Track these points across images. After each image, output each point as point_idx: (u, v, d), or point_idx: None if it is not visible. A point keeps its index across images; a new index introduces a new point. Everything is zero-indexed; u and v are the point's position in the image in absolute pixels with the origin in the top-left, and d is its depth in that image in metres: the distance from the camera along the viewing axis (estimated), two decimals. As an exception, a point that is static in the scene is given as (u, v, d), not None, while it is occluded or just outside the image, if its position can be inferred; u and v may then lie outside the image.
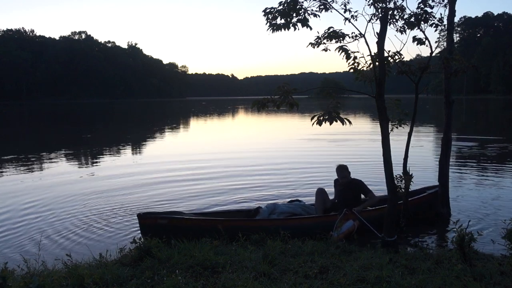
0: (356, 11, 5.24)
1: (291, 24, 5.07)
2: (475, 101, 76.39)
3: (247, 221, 5.51)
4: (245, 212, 6.11)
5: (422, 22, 5.49)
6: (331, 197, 6.25)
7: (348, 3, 5.22)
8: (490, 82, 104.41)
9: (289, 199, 6.66)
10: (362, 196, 6.10)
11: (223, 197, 7.87)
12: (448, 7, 6.07)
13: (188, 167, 11.30)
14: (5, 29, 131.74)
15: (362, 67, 5.21)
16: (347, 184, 6.02)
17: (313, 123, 4.39)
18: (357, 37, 5.23)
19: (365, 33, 5.23)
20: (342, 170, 6.08)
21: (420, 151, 13.48)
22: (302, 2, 5.03)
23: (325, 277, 3.74)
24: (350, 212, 5.56)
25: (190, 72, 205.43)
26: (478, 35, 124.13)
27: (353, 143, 16.70)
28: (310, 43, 5.35)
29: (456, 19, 11.32)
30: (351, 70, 5.24)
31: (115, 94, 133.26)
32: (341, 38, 5.17)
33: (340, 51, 5.07)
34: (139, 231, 5.25)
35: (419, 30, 5.55)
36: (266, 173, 10.22)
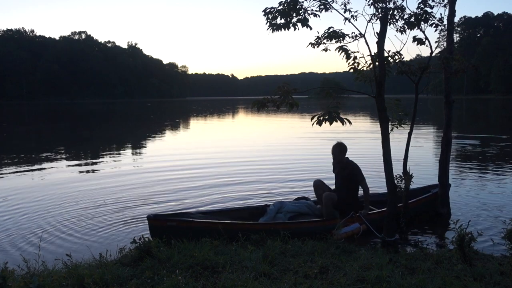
0: (356, 11, 5.25)
1: (291, 24, 5.06)
2: (475, 101, 76.37)
3: (255, 224, 5.49)
4: (252, 210, 6.09)
5: (422, 22, 5.49)
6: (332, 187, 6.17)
7: (348, 3, 5.22)
8: (490, 82, 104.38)
9: (296, 197, 6.64)
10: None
11: (228, 195, 7.85)
12: (448, 7, 6.07)
13: (190, 166, 11.27)
14: (5, 29, 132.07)
15: (362, 67, 5.21)
16: (343, 169, 5.93)
17: (313, 123, 4.40)
18: (357, 37, 5.24)
19: (365, 33, 5.23)
20: (334, 148, 5.97)
21: (420, 151, 13.48)
22: (302, 2, 5.03)
23: (325, 277, 3.74)
24: (357, 216, 5.56)
25: (190, 72, 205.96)
26: (478, 35, 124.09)
27: (354, 141, 16.71)
28: (310, 43, 5.35)
29: (456, 19, 11.33)
30: (351, 70, 5.24)
31: (115, 94, 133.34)
32: (341, 38, 5.17)
33: (340, 51, 5.07)
34: (139, 231, 5.25)
35: (419, 30, 5.55)
36: (270, 171, 10.23)
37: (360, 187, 5.94)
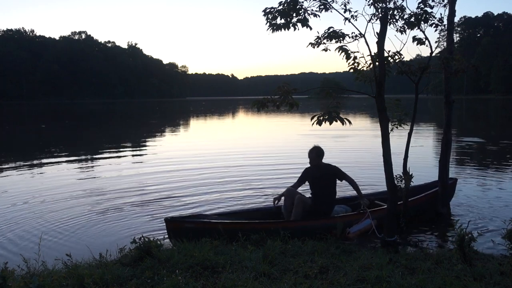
0: (356, 11, 5.24)
1: (291, 24, 5.06)
2: (475, 101, 76.37)
3: (272, 223, 5.48)
4: (267, 210, 6.08)
5: (422, 22, 5.48)
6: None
7: (348, 3, 5.21)
8: (490, 82, 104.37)
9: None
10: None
11: (238, 200, 7.80)
12: (448, 7, 6.07)
13: (193, 166, 11.27)
14: (5, 29, 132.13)
15: (362, 67, 5.20)
16: (321, 173, 5.87)
17: (313, 123, 4.40)
18: (357, 37, 5.23)
19: (365, 33, 5.23)
20: (310, 152, 5.90)
21: (420, 151, 13.48)
22: (302, 2, 5.02)
23: (325, 277, 3.74)
24: (366, 211, 5.60)
25: (190, 72, 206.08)
26: (478, 35, 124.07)
27: (355, 139, 16.74)
28: (310, 43, 5.34)
29: (456, 19, 11.33)
30: (351, 70, 5.23)
31: (115, 94, 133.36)
32: (341, 38, 5.16)
33: (340, 51, 5.07)
34: (139, 231, 5.25)
35: (419, 30, 5.55)
36: (279, 171, 10.28)
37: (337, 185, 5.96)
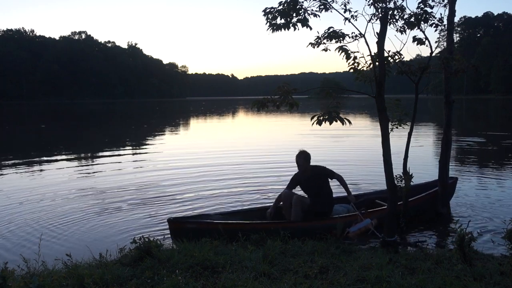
0: (356, 11, 5.23)
1: (291, 24, 5.05)
2: (475, 101, 76.38)
3: (272, 223, 5.49)
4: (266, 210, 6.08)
5: (422, 22, 5.48)
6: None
7: (348, 3, 5.20)
8: (490, 82, 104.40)
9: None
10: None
11: (236, 198, 7.81)
12: (448, 7, 6.07)
13: (192, 163, 11.28)
14: (5, 29, 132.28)
15: (362, 67, 5.19)
16: (312, 175, 5.89)
17: (313, 123, 4.40)
18: (357, 37, 5.22)
19: (365, 33, 5.22)
20: (298, 157, 5.91)
21: (420, 151, 13.48)
22: (302, 2, 5.02)
23: (325, 277, 3.74)
24: (367, 212, 5.60)
25: (190, 72, 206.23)
26: (478, 35, 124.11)
27: (355, 139, 16.73)
28: (310, 43, 5.34)
29: (456, 19, 11.33)
30: (351, 70, 5.23)
31: (115, 94, 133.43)
32: (341, 38, 5.15)
33: (340, 51, 5.06)
34: (139, 231, 5.26)
35: (419, 30, 5.54)
36: (276, 169, 10.28)
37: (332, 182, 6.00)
